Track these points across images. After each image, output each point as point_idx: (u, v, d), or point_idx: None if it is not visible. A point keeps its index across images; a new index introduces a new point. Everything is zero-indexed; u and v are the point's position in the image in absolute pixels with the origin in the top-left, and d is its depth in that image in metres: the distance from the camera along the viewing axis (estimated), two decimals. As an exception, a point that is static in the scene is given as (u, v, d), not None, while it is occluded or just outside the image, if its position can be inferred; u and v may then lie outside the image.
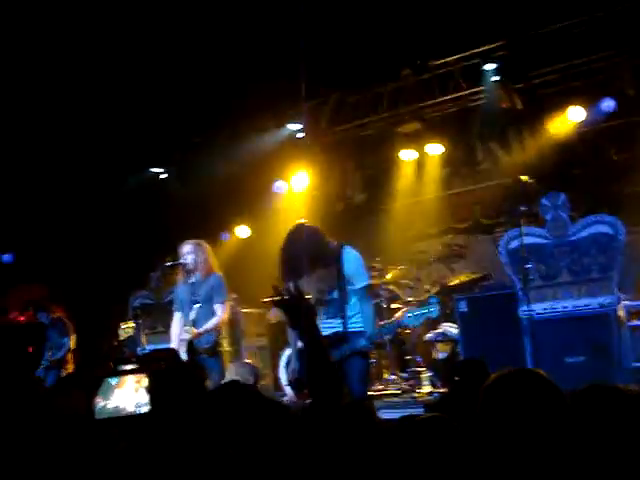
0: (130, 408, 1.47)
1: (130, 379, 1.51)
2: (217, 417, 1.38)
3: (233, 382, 2.19)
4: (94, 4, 8.01)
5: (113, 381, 1.51)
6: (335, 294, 5.27)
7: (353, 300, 5.29)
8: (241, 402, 2.10)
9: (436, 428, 2.44)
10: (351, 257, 5.28)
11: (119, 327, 10.44)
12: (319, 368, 2.53)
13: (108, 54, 8.86)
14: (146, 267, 10.41)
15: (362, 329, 5.24)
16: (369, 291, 5.34)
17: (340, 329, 5.23)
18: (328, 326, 5.22)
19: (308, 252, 5.08)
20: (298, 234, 5.20)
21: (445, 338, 8.69)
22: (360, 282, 5.25)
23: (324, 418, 2.50)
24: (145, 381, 1.48)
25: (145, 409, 1.49)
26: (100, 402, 1.51)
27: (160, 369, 1.36)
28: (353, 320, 5.27)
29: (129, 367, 1.48)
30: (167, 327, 9.09)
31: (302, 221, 5.31)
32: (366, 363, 5.32)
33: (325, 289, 5.28)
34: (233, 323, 9.08)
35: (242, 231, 11.60)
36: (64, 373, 9.15)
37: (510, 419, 2.34)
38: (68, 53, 8.72)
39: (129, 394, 1.50)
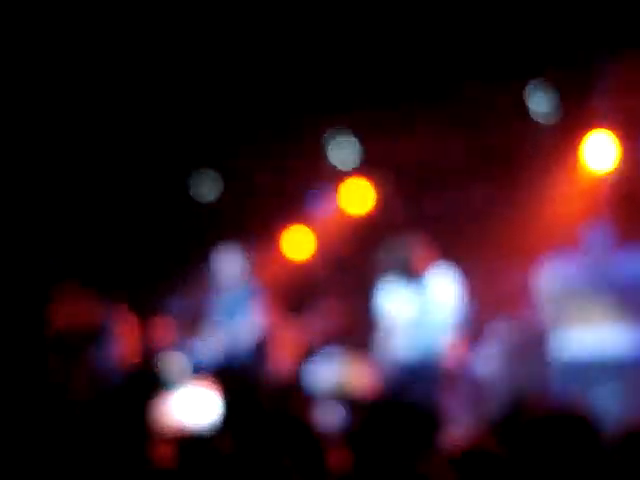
0: (191, 424, 1.43)
1: (191, 393, 1.48)
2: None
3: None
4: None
5: (176, 392, 1.47)
6: None
7: None
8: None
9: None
10: None
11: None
12: None
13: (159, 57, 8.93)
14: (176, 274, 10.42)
15: None
16: None
17: None
18: None
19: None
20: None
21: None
22: None
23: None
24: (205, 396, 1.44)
25: (208, 427, 1.45)
26: (161, 413, 1.48)
27: (235, 389, 1.33)
28: None
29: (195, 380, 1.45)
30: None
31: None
32: None
33: None
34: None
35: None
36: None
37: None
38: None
39: (189, 409, 1.47)
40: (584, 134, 8.86)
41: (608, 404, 6.62)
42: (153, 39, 8.22)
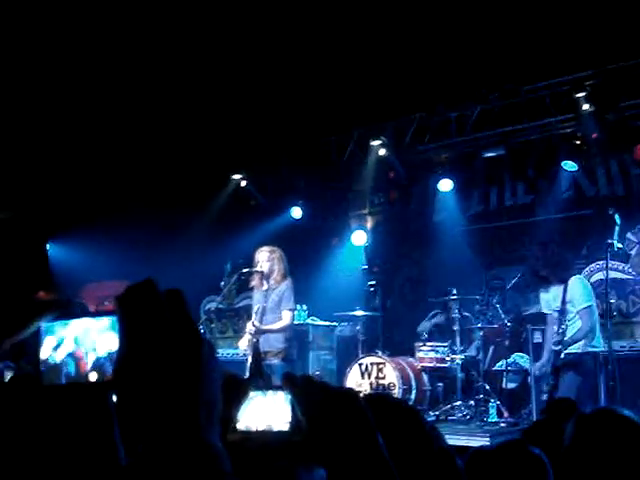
0: (260, 426, 1.31)
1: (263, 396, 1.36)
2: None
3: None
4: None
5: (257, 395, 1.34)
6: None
7: (572, 317, 6.42)
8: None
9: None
10: (574, 283, 6.45)
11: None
12: None
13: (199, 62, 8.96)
14: (220, 272, 10.47)
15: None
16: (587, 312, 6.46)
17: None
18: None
19: (550, 268, 6.47)
20: (547, 250, 6.59)
21: (515, 368, 8.52)
22: (579, 304, 6.40)
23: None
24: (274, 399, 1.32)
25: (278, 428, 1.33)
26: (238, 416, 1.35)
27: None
28: (570, 333, 6.42)
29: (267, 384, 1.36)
30: (236, 332, 9.17)
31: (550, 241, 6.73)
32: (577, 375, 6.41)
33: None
34: (301, 333, 9.08)
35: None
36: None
37: (594, 461, 2.29)
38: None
39: (257, 412, 1.35)
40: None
41: None
42: None
